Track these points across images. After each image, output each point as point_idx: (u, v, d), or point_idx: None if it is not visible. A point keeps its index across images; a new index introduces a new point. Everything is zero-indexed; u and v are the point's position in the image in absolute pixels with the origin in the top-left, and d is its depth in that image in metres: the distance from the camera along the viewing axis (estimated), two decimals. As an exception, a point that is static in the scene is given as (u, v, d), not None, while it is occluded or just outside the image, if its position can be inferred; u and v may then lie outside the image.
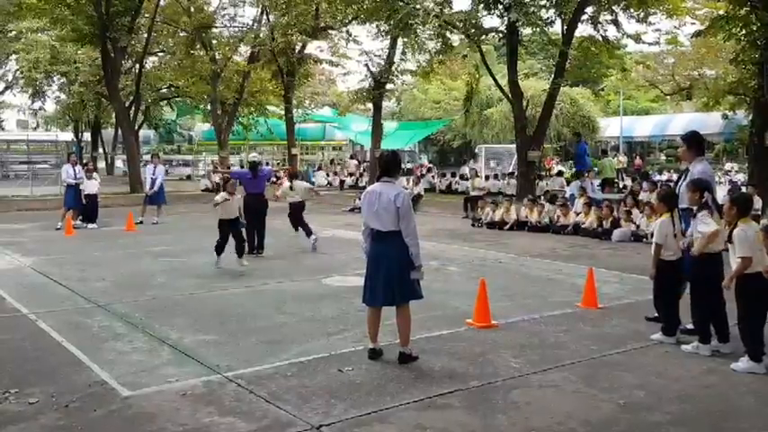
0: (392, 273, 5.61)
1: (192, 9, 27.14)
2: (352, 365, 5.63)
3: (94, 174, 16.37)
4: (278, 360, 5.77)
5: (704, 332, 6.01)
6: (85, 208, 15.54)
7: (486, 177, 24.24)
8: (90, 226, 15.31)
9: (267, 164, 28.22)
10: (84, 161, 20.48)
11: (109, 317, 7.33)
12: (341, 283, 9.10)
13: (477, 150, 31.45)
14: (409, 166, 33.69)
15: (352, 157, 38.29)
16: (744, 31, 16.17)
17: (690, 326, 6.32)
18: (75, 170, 15.76)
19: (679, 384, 5.28)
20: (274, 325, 6.99)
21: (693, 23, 22.07)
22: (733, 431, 4.52)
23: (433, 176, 27.97)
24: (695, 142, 6.74)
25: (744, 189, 14.95)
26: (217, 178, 26.62)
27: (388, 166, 5.87)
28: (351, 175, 30.31)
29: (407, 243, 5.58)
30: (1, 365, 5.69)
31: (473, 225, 16.19)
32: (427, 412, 4.71)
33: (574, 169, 22.42)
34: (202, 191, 26.17)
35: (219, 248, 10.41)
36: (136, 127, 30.25)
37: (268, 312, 7.53)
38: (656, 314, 6.75)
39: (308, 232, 12.17)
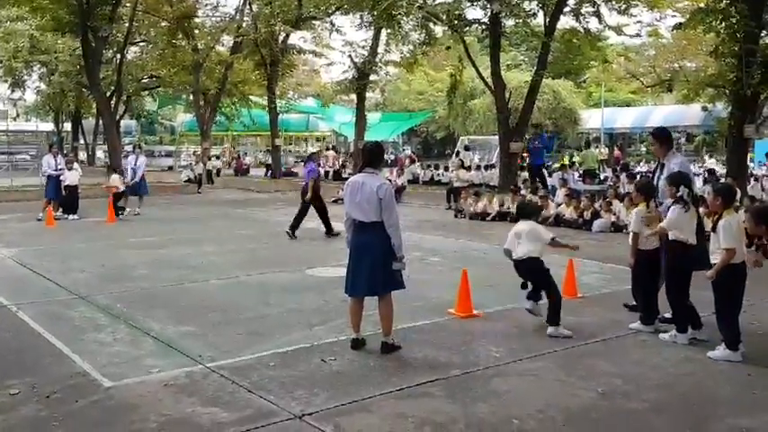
0: (374, 263, 5.63)
1: (174, -2, 26.92)
2: (335, 355, 5.66)
3: (75, 165, 16.22)
4: (260, 351, 5.78)
5: (681, 321, 6.10)
6: (65, 199, 15.40)
7: (468, 168, 24.29)
8: (71, 217, 15.17)
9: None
10: (65, 152, 20.19)
11: (90, 308, 7.30)
12: (324, 273, 9.11)
13: (468, 142, 31.44)
14: (392, 157, 33.71)
15: (328, 149, 38.20)
16: (723, 24, 16.30)
17: (668, 315, 6.42)
18: (56, 161, 15.62)
19: (657, 372, 5.37)
20: (257, 316, 7.00)
21: (674, 16, 22.23)
22: (710, 418, 4.60)
23: (418, 167, 27.98)
24: (665, 137, 6.91)
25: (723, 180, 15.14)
26: (199, 170, 26.54)
27: (370, 156, 5.90)
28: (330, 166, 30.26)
29: (390, 234, 5.61)
30: (-19, 357, 5.66)
31: (456, 216, 16.25)
32: (409, 401, 4.75)
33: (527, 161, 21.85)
34: (185, 182, 26.02)
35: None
36: (117, 117, 29.98)
37: (250, 303, 7.54)
38: (635, 303, 6.84)
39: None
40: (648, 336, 6.28)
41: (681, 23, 18.85)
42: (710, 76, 21.14)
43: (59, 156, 16.20)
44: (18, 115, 54.51)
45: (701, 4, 18.05)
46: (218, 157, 30.74)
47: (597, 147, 33.54)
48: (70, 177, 15.47)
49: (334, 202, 19.11)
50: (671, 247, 6.07)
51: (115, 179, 15.98)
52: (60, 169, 15.49)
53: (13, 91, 41.33)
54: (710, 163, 27.60)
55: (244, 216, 16.61)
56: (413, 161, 30.65)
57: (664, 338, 6.15)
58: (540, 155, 20.07)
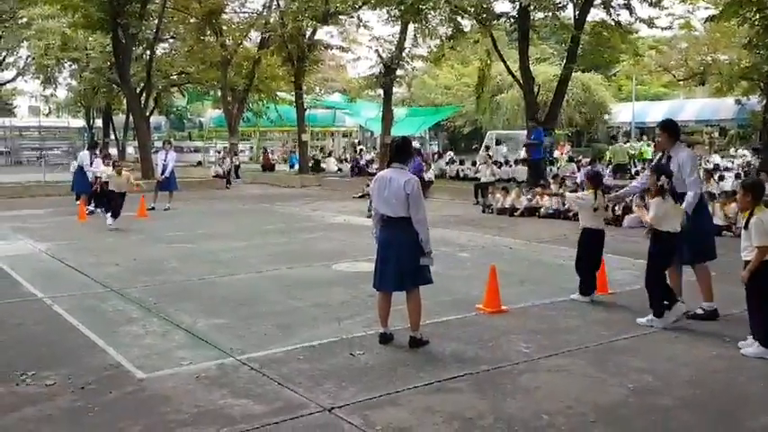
0: (402, 258, 5.64)
1: (202, -5, 27.11)
2: (363, 349, 5.68)
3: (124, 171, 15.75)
4: (290, 344, 5.83)
5: (657, 305, 6.37)
6: (108, 199, 15.28)
7: (496, 163, 24.20)
8: (109, 221, 14.87)
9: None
10: (108, 157, 19.66)
11: (123, 301, 7.42)
12: (351, 268, 9.15)
13: (496, 136, 31.23)
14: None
15: (359, 143, 38.30)
16: (758, 16, 16.01)
17: (699, 310, 6.41)
18: (91, 159, 15.77)
19: (688, 369, 5.30)
20: (286, 309, 7.05)
21: (707, 8, 21.83)
22: (742, 415, 4.54)
23: (446, 162, 27.88)
24: (673, 129, 7.02)
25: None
26: (227, 165, 26.75)
27: (398, 151, 5.88)
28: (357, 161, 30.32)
29: (417, 229, 5.60)
30: (18, 348, 5.79)
31: (483, 211, 16.20)
32: (437, 396, 4.76)
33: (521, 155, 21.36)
34: (213, 177, 26.26)
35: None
36: (147, 113, 30.34)
37: (279, 297, 7.60)
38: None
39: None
40: (680, 332, 6.21)
41: (714, 15, 18.52)
42: (744, 68, 20.79)
43: (96, 156, 16.16)
44: (50, 111, 55.49)
45: (735, -4, 17.68)
46: (236, 153, 30.09)
47: (628, 141, 33.07)
48: (116, 183, 15.03)
49: (361, 197, 19.20)
50: (655, 234, 6.42)
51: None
52: (95, 168, 15.65)
53: (44, 88, 42.08)
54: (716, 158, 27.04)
55: (271, 211, 16.73)
56: (440, 155, 30.54)
57: (641, 322, 6.39)
58: (537, 150, 19.39)
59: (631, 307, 7.10)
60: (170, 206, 16.37)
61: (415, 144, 15.99)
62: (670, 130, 6.99)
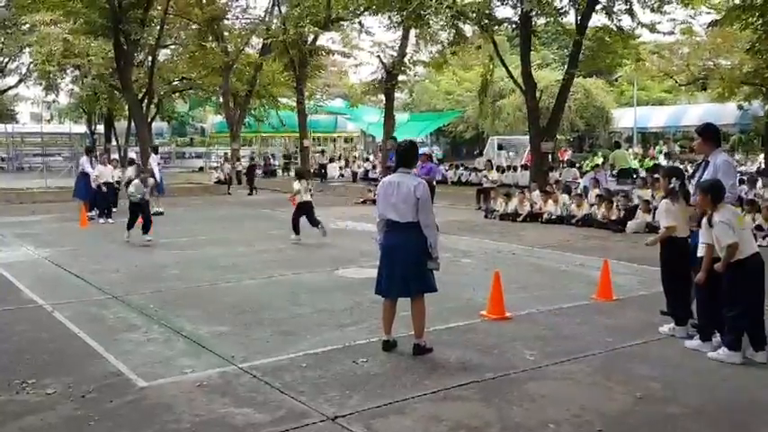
0: (408, 264, 5.58)
1: (204, 1, 27.15)
2: (367, 357, 5.62)
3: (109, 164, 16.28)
4: (292, 351, 5.78)
5: (676, 315, 6.26)
6: (99, 198, 15.42)
7: (499, 168, 24.17)
8: (101, 221, 15.02)
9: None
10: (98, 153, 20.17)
11: (124, 308, 7.37)
12: (355, 274, 9.09)
13: (498, 141, 31.23)
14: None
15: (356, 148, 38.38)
16: (760, 21, 15.99)
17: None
18: (91, 163, 15.83)
19: (696, 377, 5.24)
20: (288, 316, 7.00)
21: (709, 13, 21.81)
22: (752, 424, 4.48)
23: (446, 169, 27.83)
24: (713, 134, 6.58)
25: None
26: (227, 170, 26.72)
27: (405, 156, 5.82)
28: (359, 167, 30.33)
29: (426, 234, 5.54)
30: (18, 356, 5.73)
31: (486, 217, 16.13)
32: (443, 404, 4.70)
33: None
34: (215, 182, 26.23)
35: None
36: (149, 119, 30.32)
37: (282, 304, 7.54)
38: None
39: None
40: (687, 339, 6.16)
41: (716, 20, 18.50)
42: (746, 73, 20.75)
43: (95, 159, 16.32)
44: (52, 118, 55.45)
45: (737, 1, 17.66)
46: (238, 159, 29.69)
47: (630, 146, 32.96)
48: (105, 174, 15.47)
49: (362, 203, 19.16)
50: (662, 242, 6.30)
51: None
52: (93, 169, 15.69)
53: (46, 94, 42.01)
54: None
55: (273, 216, 16.67)
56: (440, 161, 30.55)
57: (663, 331, 6.28)
58: None
59: (636, 313, 7.05)
60: (162, 210, 16.19)
61: (426, 150, 16.09)
62: (705, 135, 6.52)
